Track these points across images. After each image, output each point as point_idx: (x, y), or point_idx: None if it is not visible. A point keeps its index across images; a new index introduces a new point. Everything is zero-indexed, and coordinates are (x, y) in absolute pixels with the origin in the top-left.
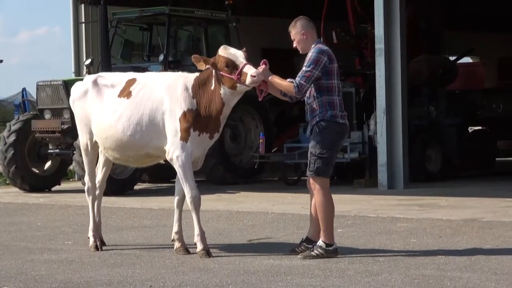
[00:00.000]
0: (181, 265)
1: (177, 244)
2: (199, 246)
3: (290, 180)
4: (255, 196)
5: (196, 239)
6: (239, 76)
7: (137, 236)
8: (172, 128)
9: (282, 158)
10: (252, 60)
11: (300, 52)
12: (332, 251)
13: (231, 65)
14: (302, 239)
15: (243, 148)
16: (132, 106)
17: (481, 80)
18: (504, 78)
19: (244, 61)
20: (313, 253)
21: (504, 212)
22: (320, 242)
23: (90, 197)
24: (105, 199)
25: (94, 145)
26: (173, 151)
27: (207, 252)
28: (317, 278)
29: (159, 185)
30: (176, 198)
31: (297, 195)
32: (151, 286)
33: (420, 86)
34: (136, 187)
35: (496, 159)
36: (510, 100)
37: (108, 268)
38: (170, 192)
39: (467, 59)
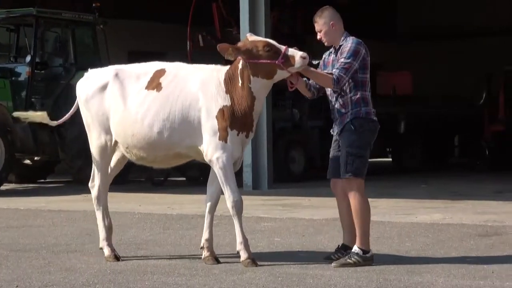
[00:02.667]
0: (47, 265)
1: (205, 253)
2: (243, 255)
3: (157, 180)
4: (122, 196)
5: (240, 247)
6: (283, 60)
7: (3, 236)
8: (209, 127)
9: None
10: (121, 63)
11: (326, 44)
12: (369, 258)
13: (273, 49)
14: (338, 246)
15: None
16: (162, 99)
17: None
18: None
19: (282, 46)
20: (350, 260)
21: None
22: (357, 249)
23: (101, 206)
24: None
25: (114, 146)
26: (213, 152)
27: (252, 261)
28: (183, 277)
29: (26, 185)
30: (208, 204)
31: (164, 196)
32: (17, 286)
33: (284, 89)
34: (3, 187)
35: None
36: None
37: None
38: (37, 192)
39: None
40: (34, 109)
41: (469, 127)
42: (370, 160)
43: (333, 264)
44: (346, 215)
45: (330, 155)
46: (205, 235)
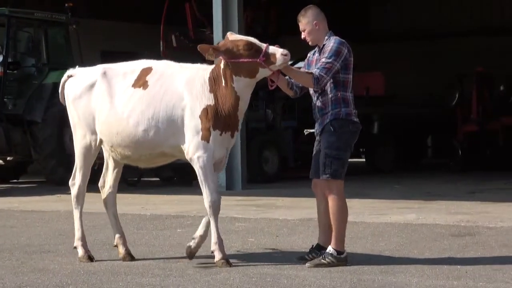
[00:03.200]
0: (20, 265)
1: (217, 255)
2: (218, 256)
3: (131, 181)
4: (96, 197)
5: (214, 247)
6: (264, 58)
7: None
8: (192, 126)
9: None
10: (94, 63)
11: (310, 43)
12: (343, 259)
13: (254, 48)
14: (312, 246)
15: None
16: (148, 98)
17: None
18: None
19: (263, 44)
20: (324, 261)
21: None
22: (331, 250)
23: (79, 205)
24: None
25: (99, 146)
26: (194, 151)
27: (226, 261)
28: (157, 278)
29: None
30: None
31: (137, 196)
32: None
33: (257, 89)
34: None
35: None
36: None
37: None
38: (10, 193)
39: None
40: (7, 109)
41: (442, 128)
42: None
43: (307, 264)
44: (323, 215)
45: (313, 155)
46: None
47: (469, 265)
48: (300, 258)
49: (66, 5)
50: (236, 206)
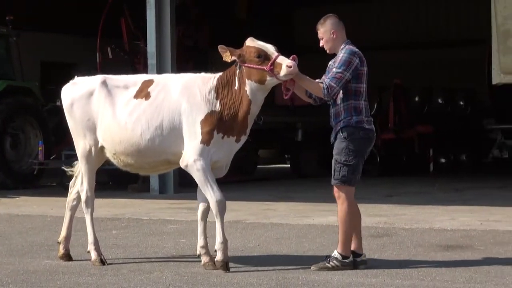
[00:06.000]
0: None
1: (205, 259)
2: (220, 256)
3: (68, 185)
4: (34, 200)
5: (218, 247)
6: (271, 67)
7: None
8: (191, 132)
9: (60, 165)
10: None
11: (328, 52)
12: (348, 264)
13: (263, 56)
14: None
15: (23, 155)
16: (151, 108)
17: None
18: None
19: (276, 53)
20: (328, 264)
21: (264, 214)
22: (336, 254)
23: (89, 209)
24: None
25: (99, 151)
26: (190, 155)
27: (226, 265)
28: (93, 277)
29: None
30: (200, 210)
31: None
32: None
33: None
34: None
35: (258, 166)
36: (268, 113)
37: None
38: None
39: None
40: None
41: None
42: (269, 166)
43: (312, 267)
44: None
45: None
46: (200, 242)
47: (386, 263)
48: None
49: (7, 18)
50: (168, 209)
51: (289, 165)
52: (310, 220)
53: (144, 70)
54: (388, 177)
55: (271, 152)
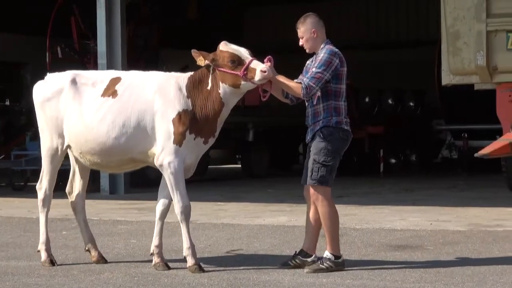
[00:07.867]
0: None
1: (156, 259)
2: (191, 261)
3: (17, 185)
4: None
5: (187, 252)
6: (245, 72)
7: None
8: (164, 131)
9: (9, 165)
10: None
11: (307, 51)
12: (340, 263)
13: (237, 61)
14: (296, 251)
15: None
16: (118, 106)
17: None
18: None
19: (250, 57)
20: (322, 266)
21: (215, 215)
22: (328, 255)
23: (45, 208)
24: None
25: (65, 151)
26: (165, 156)
27: (199, 267)
28: (43, 278)
29: None
30: (159, 209)
31: (24, 200)
32: None
33: None
34: None
35: (209, 166)
36: None
37: None
38: None
39: None
40: None
41: None
42: (220, 166)
43: (305, 270)
44: (309, 221)
45: (304, 162)
46: (155, 241)
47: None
48: (283, 264)
49: None
50: (119, 209)
51: (240, 166)
52: (261, 221)
53: (94, 69)
54: (339, 178)
55: (223, 152)
